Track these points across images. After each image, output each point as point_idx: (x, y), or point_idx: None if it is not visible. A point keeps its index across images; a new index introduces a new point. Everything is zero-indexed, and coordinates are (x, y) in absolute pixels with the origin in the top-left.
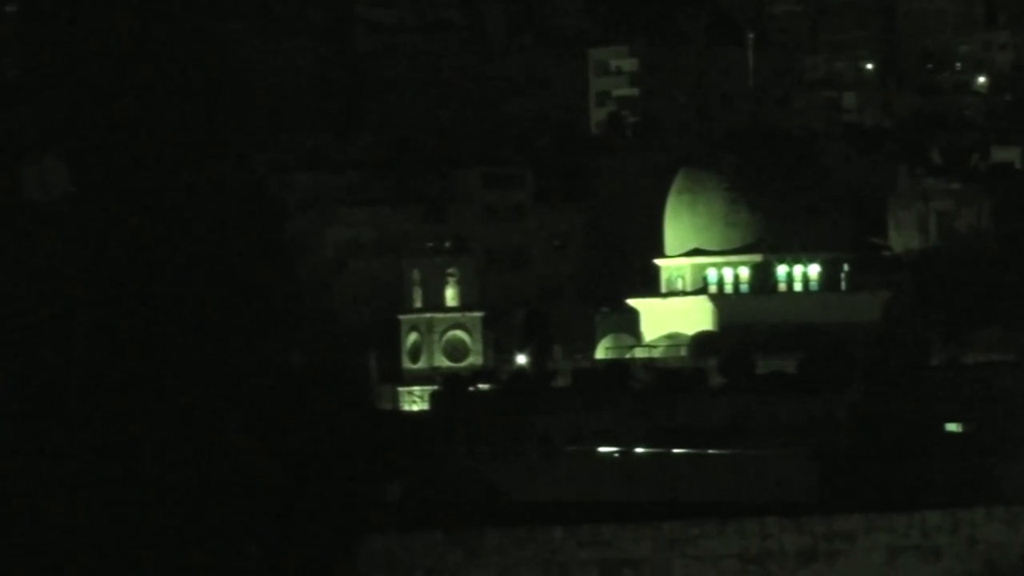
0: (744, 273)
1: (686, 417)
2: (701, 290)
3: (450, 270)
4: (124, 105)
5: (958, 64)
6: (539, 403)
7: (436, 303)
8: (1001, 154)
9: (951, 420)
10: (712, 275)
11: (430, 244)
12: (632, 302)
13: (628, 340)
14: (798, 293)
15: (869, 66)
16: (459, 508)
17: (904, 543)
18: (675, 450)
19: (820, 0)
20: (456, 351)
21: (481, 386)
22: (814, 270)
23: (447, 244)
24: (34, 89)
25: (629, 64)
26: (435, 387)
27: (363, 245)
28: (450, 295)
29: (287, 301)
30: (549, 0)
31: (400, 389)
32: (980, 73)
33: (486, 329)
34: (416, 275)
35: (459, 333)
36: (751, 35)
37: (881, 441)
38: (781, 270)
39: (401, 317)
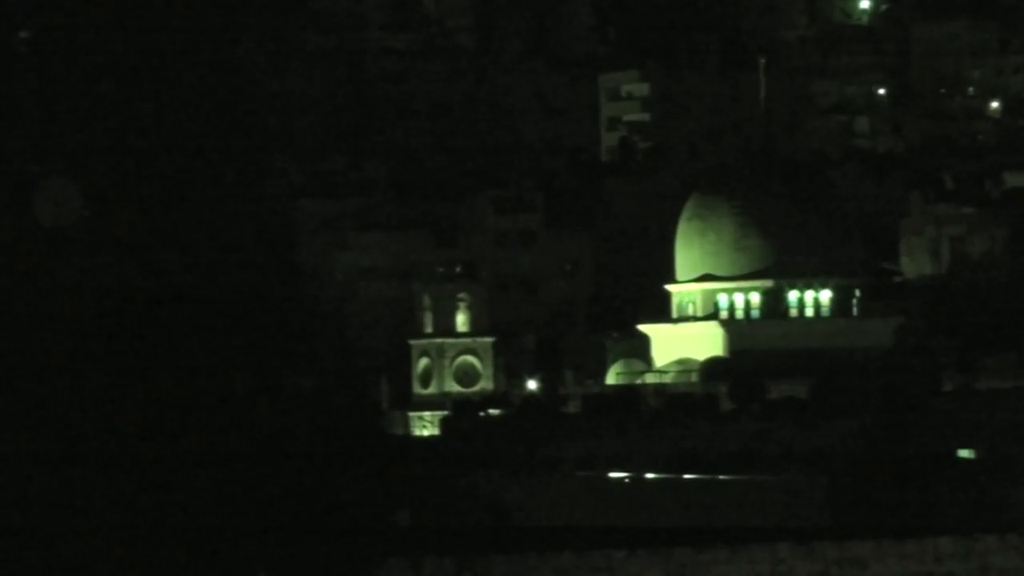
0: (755, 299)
1: (697, 443)
2: (712, 316)
3: (461, 295)
4: (137, 129)
5: (971, 89)
6: (550, 428)
7: (447, 328)
8: (1014, 179)
9: (964, 446)
10: (723, 300)
11: (441, 269)
12: (643, 327)
13: (639, 365)
14: (809, 319)
15: (881, 91)
16: (469, 534)
17: (916, 569)
18: (686, 476)
19: (832, 25)
20: (467, 376)
21: (491, 411)
22: (825, 296)
23: (458, 269)
24: (46, 113)
25: (640, 89)
26: (445, 412)
27: (374, 270)
28: (461, 320)
29: (299, 326)
30: (560, 25)
31: (411, 414)
32: (993, 98)
33: (497, 354)
34: (427, 300)
35: (470, 358)
36: (762, 60)
37: (893, 467)
38: (792, 296)
39: (412, 342)
